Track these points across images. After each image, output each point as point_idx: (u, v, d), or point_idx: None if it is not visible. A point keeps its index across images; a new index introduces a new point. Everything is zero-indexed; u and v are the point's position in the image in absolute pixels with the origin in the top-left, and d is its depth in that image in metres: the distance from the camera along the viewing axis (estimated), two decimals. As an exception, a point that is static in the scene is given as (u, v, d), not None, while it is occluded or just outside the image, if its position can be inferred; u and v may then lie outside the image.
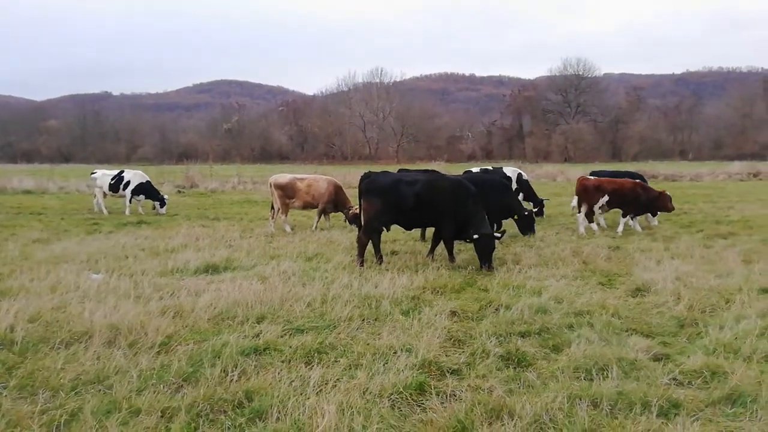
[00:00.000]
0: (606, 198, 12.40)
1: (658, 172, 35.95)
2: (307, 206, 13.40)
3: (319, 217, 13.62)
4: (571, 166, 48.07)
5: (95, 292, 6.83)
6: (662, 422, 3.68)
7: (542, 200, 15.32)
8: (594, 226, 12.51)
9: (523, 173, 15.77)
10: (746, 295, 6.57)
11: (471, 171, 14.81)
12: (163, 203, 16.89)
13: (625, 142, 78.21)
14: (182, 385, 4.33)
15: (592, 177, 13.30)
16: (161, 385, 4.29)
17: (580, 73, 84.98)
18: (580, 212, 12.62)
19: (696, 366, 4.57)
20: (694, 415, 3.79)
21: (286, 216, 13.14)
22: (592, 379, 4.36)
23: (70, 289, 6.97)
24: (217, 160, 60.14)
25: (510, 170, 15.46)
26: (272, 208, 13.42)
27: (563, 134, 76.68)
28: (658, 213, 13.31)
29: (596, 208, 12.46)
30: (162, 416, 3.84)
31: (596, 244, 10.49)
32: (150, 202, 17.30)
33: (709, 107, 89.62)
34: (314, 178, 13.72)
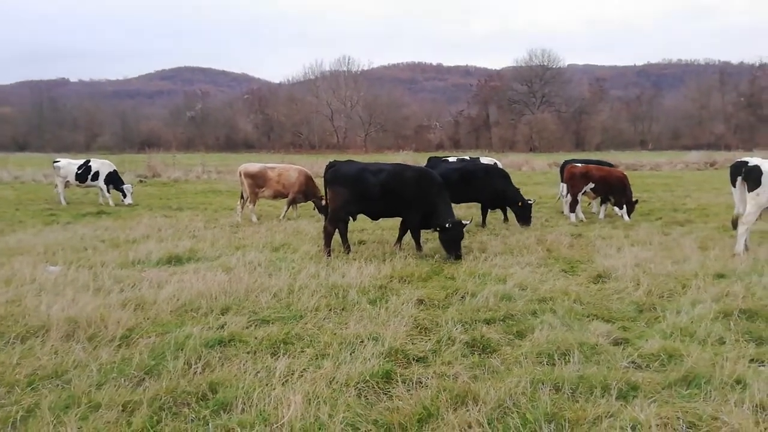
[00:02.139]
0: (592, 185, 12.64)
1: (619, 162, 36.58)
2: (277, 196, 13.27)
3: (288, 207, 13.53)
4: (535, 156, 48.84)
5: (52, 284, 6.62)
6: (621, 404, 3.78)
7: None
8: (573, 216, 12.67)
9: (498, 163, 15.95)
10: (702, 281, 6.79)
11: (447, 160, 14.83)
12: (124, 194, 16.38)
13: (588, 132, 79.87)
14: (144, 379, 4.25)
15: (579, 164, 13.45)
16: (122, 379, 4.20)
17: (545, 63, 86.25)
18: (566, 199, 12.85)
19: (654, 349, 4.71)
20: (652, 396, 3.91)
21: (254, 205, 12.99)
22: (554, 364, 4.46)
23: (26, 282, 6.75)
24: (181, 148, 58.93)
25: (486, 161, 15.62)
26: (242, 197, 13.24)
27: (528, 124, 77.78)
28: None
29: (580, 195, 12.69)
30: (123, 410, 3.76)
31: (560, 232, 10.69)
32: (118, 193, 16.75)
33: (669, 98, 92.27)
34: (285, 167, 13.59)
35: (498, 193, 11.93)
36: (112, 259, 8.18)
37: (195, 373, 4.29)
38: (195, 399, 3.92)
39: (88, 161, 16.80)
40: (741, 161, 8.97)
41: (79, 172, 16.31)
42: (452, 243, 8.56)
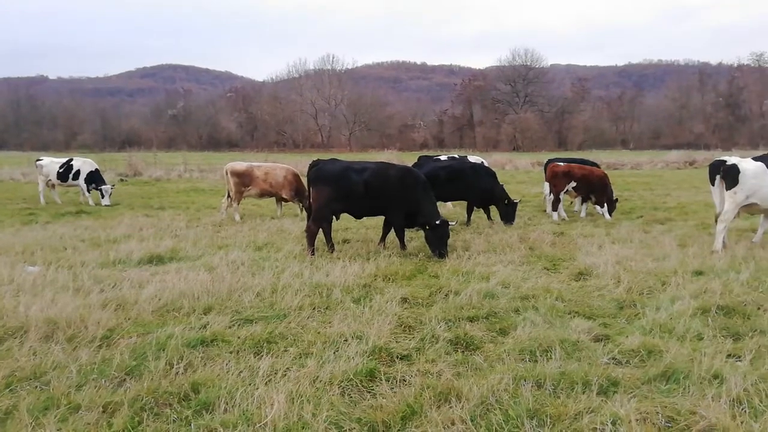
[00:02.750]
0: (573, 184, 12.76)
1: (600, 161, 36.96)
2: (264, 194, 13.23)
3: (299, 205, 13.46)
4: (519, 155, 49.21)
5: (31, 285, 6.51)
6: (602, 400, 3.83)
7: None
8: (555, 215, 12.79)
9: (484, 162, 16.06)
10: (681, 278, 6.90)
11: (440, 158, 14.86)
12: (102, 194, 16.13)
13: (571, 132, 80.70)
14: (125, 379, 4.20)
15: (561, 163, 13.58)
16: (103, 380, 4.14)
17: (528, 63, 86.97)
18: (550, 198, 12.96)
19: (634, 346, 4.77)
20: (632, 392, 3.97)
21: (238, 204, 12.92)
22: (536, 361, 4.50)
23: (4, 283, 6.63)
24: (162, 147, 58.41)
25: (474, 159, 15.72)
26: (228, 196, 13.18)
27: (512, 124, 78.28)
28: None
29: (562, 194, 12.81)
30: (104, 411, 3.72)
31: (542, 230, 10.78)
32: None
33: (649, 98, 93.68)
34: (272, 166, 13.55)
35: (485, 191, 12.01)
36: (92, 259, 8.07)
37: (177, 373, 4.25)
38: (177, 399, 3.88)
39: (71, 160, 16.56)
40: (719, 160, 9.14)
41: (60, 170, 16.08)
42: (438, 241, 8.60)
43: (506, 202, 11.91)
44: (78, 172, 16.09)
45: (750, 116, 79.39)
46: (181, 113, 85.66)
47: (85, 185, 16.09)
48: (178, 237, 10.19)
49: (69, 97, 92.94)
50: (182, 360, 4.45)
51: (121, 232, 10.59)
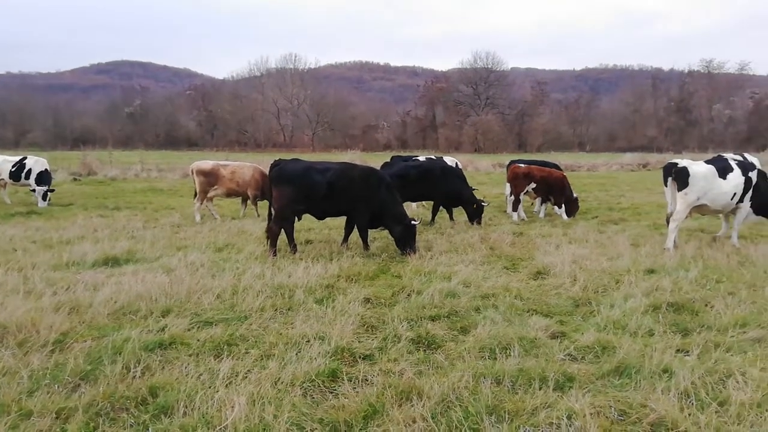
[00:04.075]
0: (533, 185, 13.01)
1: (559, 163, 37.86)
2: (231, 194, 13.09)
3: (255, 205, 13.50)
4: (480, 157, 49.89)
5: (-23, 288, 6.24)
6: (558, 395, 3.94)
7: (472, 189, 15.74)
8: (515, 216, 13.01)
9: (458, 163, 16.21)
10: (633, 276, 7.16)
11: (417, 158, 14.87)
12: (45, 196, 15.38)
13: (530, 134, 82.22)
14: (79, 384, 4.08)
15: (522, 165, 13.80)
16: (56, 385, 4.03)
17: (489, 66, 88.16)
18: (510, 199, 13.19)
19: (589, 342, 4.93)
20: (586, 387, 4.10)
21: (201, 204, 12.70)
22: (495, 358, 4.60)
23: (-53, 286, 6.34)
24: (118, 146, 56.59)
25: (448, 160, 15.84)
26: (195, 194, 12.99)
27: (474, 125, 79.27)
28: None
29: (522, 195, 13.05)
30: (57, 417, 3.62)
31: (502, 230, 10.98)
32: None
33: (605, 102, 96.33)
34: (239, 165, 13.39)
35: (453, 193, 12.11)
36: (44, 261, 7.80)
37: (134, 377, 4.16)
38: (134, 404, 3.80)
39: (24, 158, 15.89)
40: (671, 163, 9.53)
41: (13, 170, 15.43)
42: (408, 240, 8.84)
43: (474, 205, 12.08)
44: (29, 172, 15.49)
45: (700, 120, 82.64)
46: (138, 111, 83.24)
47: (34, 184, 15.49)
48: (134, 238, 9.94)
49: (18, 93, 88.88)
50: (139, 363, 4.35)
51: (75, 233, 10.25)
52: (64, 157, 32.41)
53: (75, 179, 24.23)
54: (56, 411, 3.66)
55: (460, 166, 16.05)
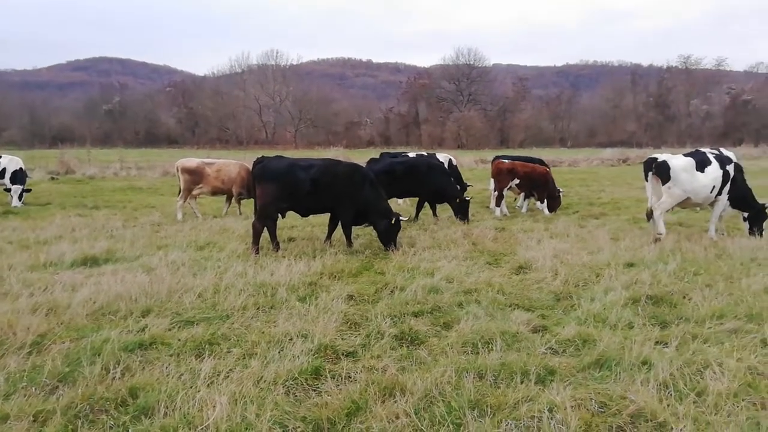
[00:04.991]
0: (517, 181, 13.09)
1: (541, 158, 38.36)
2: (216, 192, 13.00)
3: (239, 203, 13.42)
4: (463, 153, 50.00)
5: (-49, 290, 6.11)
6: (540, 388, 3.98)
7: (466, 185, 15.79)
8: (497, 211, 13.08)
9: (453, 159, 16.22)
10: (613, 270, 7.24)
11: (407, 155, 14.85)
12: (20, 195, 15.07)
13: (512, 130, 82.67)
14: (58, 386, 4.02)
15: (506, 161, 13.85)
16: (33, 388, 3.96)
17: (471, 62, 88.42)
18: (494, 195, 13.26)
19: (570, 335, 4.98)
20: (567, 380, 4.14)
21: (184, 202, 12.56)
22: (478, 353, 4.62)
23: None
24: (97, 144, 55.64)
25: (442, 156, 15.85)
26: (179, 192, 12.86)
27: (456, 122, 79.46)
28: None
29: (505, 190, 13.12)
30: (35, 420, 3.56)
31: (485, 226, 11.04)
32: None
33: (585, 98, 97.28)
34: (224, 162, 13.27)
35: (438, 189, 12.13)
36: (20, 262, 7.65)
37: (114, 378, 4.11)
38: (114, 405, 3.76)
39: None
40: (652, 158, 9.67)
41: None
42: (392, 236, 8.91)
43: (458, 200, 12.12)
44: (4, 171, 15.17)
45: (678, 115, 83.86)
46: (116, 108, 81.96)
47: (9, 183, 15.17)
48: (114, 237, 9.80)
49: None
50: (119, 364, 4.30)
51: (52, 233, 10.07)
52: (42, 155, 31.78)
53: (53, 178, 23.77)
54: (34, 414, 3.60)
55: (455, 162, 16.11)
